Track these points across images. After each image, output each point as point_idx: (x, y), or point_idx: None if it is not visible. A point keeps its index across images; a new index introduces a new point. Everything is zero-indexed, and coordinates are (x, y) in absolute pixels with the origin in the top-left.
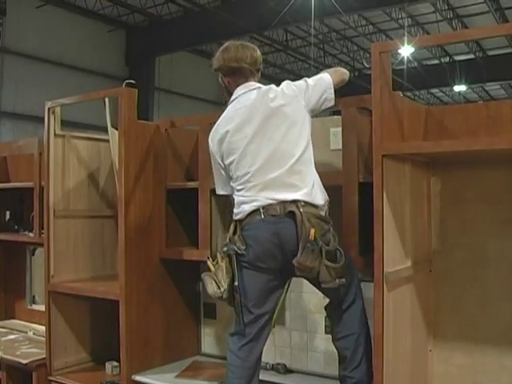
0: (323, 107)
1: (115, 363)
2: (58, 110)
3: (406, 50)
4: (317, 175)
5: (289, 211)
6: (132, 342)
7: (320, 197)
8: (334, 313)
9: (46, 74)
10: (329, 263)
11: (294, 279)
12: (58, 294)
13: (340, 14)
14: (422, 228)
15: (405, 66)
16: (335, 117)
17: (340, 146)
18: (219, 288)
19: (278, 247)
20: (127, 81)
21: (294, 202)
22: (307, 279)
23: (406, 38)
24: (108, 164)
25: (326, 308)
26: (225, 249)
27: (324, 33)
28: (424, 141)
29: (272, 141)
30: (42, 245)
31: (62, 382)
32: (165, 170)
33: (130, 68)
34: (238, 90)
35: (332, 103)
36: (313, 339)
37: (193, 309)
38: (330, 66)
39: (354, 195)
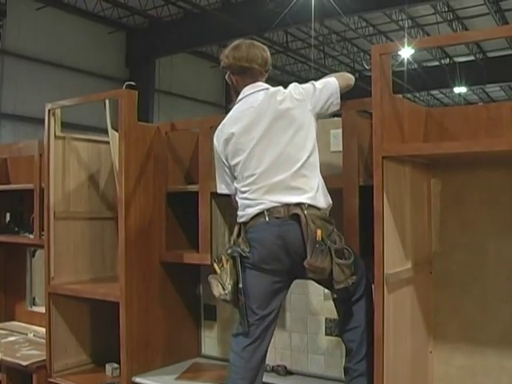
0: (329, 111)
1: (115, 365)
2: (58, 111)
3: (406, 52)
4: (321, 179)
5: (293, 213)
6: (132, 344)
7: (323, 201)
8: (343, 306)
9: (47, 76)
10: (340, 261)
11: (295, 281)
12: (58, 296)
13: (340, 15)
14: (422, 229)
15: (405, 68)
16: (335, 118)
17: (340, 148)
18: (224, 290)
19: (282, 249)
20: (127, 82)
21: (299, 204)
22: (318, 281)
23: (406, 39)
24: (108, 166)
25: (334, 300)
26: (229, 251)
27: (324, 34)
28: (424, 142)
29: (278, 144)
30: (42, 246)
31: (62, 383)
32: (165, 172)
33: (131, 70)
34: (246, 90)
35: (338, 107)
36: (313, 341)
37: (193, 311)
38: (330, 68)
39: (354, 198)
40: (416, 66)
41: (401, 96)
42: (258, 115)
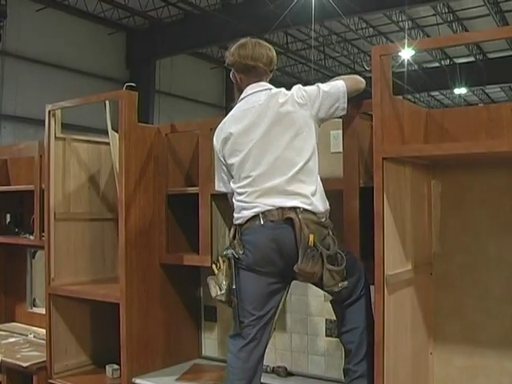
0: (334, 116)
1: (115, 366)
2: (58, 112)
3: (407, 53)
4: (320, 184)
5: (287, 217)
6: (132, 345)
7: (320, 205)
8: (339, 307)
9: (47, 77)
10: (331, 267)
11: (295, 282)
12: (59, 297)
13: (340, 16)
14: (423, 231)
15: (405, 69)
16: (335, 119)
17: (340, 149)
18: (220, 290)
19: (276, 253)
20: (127, 83)
21: (294, 208)
22: (313, 284)
23: (406, 40)
24: (108, 167)
25: (331, 302)
26: (225, 252)
27: (324, 35)
28: (424, 143)
29: (276, 147)
30: (42, 248)
31: None
32: (165, 174)
33: (131, 71)
34: (248, 89)
35: (344, 112)
36: (313, 342)
37: (193, 312)
38: (330, 69)
39: (354, 200)
40: (416, 67)
41: (401, 97)
42: (258, 116)
